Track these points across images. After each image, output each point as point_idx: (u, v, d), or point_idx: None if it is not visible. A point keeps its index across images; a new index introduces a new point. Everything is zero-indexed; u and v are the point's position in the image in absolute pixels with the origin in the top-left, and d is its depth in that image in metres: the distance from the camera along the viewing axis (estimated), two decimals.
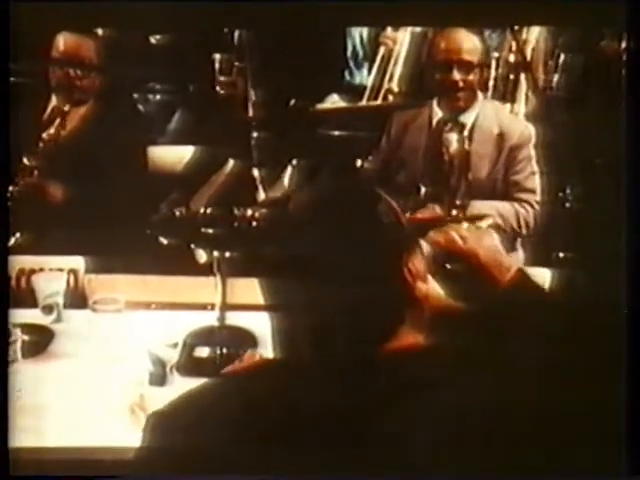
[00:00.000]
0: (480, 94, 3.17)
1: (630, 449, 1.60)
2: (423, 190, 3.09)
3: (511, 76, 3.47)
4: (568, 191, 3.13)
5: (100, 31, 3.34)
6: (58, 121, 3.18)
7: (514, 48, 3.47)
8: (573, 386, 1.60)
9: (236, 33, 3.54)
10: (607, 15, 2.48)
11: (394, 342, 1.48)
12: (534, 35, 3.53)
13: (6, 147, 2.31)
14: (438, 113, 3.18)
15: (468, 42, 3.10)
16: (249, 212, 2.87)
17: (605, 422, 1.47)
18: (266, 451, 1.43)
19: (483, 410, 1.42)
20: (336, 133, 3.55)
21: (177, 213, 2.83)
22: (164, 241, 2.76)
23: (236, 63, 3.43)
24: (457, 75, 3.09)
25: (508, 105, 3.38)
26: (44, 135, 3.15)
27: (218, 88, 3.43)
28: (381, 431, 1.40)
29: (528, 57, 3.49)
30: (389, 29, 3.83)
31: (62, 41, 3.19)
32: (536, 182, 3.09)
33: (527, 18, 2.89)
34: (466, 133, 3.11)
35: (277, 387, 1.49)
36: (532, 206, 3.11)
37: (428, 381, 1.43)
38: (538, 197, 3.09)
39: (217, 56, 3.38)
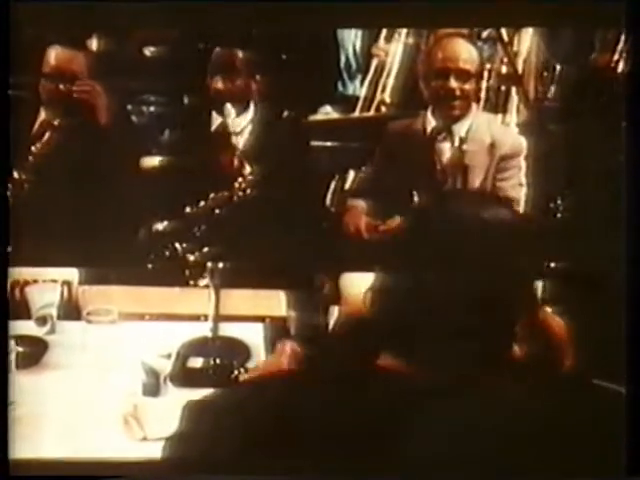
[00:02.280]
0: (474, 104, 3.19)
1: (629, 449, 1.60)
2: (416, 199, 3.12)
3: (502, 87, 3.49)
4: (559, 202, 3.14)
5: (94, 44, 3.36)
6: (48, 133, 3.18)
7: (505, 60, 3.49)
8: (573, 387, 1.62)
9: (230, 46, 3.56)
10: (604, 17, 2.49)
11: None
12: (525, 46, 3.55)
13: (5, 157, 2.32)
14: (432, 122, 3.19)
15: (465, 51, 3.12)
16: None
17: (605, 422, 1.47)
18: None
19: (483, 410, 1.43)
20: (329, 144, 3.56)
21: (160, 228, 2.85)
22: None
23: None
24: (454, 83, 3.11)
25: (500, 116, 3.39)
26: (34, 148, 3.15)
27: (211, 99, 3.44)
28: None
29: (519, 69, 3.51)
30: (382, 41, 3.85)
31: (53, 55, 3.19)
32: (521, 194, 3.11)
33: (522, 20, 2.90)
34: (458, 143, 3.13)
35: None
36: None
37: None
38: (520, 209, 3.09)
39: (211, 67, 3.39)
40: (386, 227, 3.09)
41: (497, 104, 3.46)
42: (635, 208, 2.25)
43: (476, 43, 3.21)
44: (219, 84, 3.25)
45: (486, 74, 3.34)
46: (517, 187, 3.12)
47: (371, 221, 3.16)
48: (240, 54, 3.26)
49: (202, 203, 3.02)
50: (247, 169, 3.20)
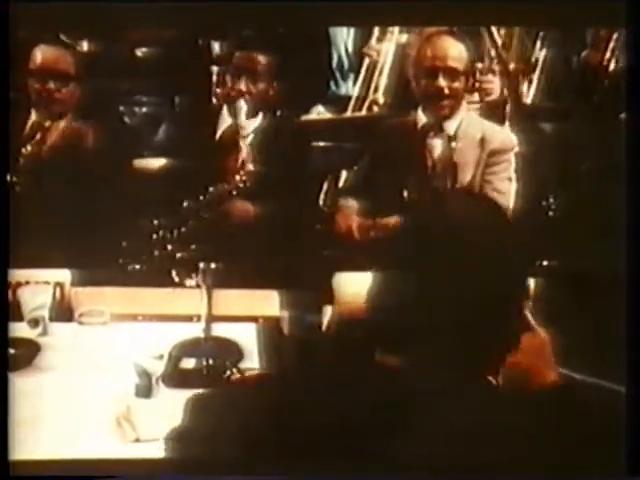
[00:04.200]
0: (464, 102, 3.20)
1: (630, 449, 1.60)
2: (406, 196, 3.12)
3: (493, 86, 3.49)
4: (551, 200, 3.14)
5: (85, 44, 3.36)
6: (39, 135, 3.18)
7: (496, 58, 3.49)
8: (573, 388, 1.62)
9: (220, 45, 3.56)
10: (604, 16, 2.49)
11: None
12: (515, 44, 3.55)
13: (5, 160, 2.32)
14: (422, 120, 3.20)
15: (454, 49, 3.13)
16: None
17: (605, 422, 1.47)
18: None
19: (480, 409, 1.43)
20: (322, 144, 3.57)
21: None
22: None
23: (223, 76, 3.44)
24: (443, 82, 3.12)
25: (490, 114, 3.40)
26: (24, 150, 3.15)
27: (204, 99, 3.45)
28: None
29: (510, 66, 3.51)
30: (374, 41, 3.85)
31: (42, 54, 3.20)
32: (510, 187, 3.11)
33: (520, 19, 2.90)
34: (448, 140, 3.14)
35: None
36: None
37: None
38: (510, 202, 3.10)
39: (203, 68, 3.40)
40: (378, 227, 3.10)
41: (488, 102, 3.46)
42: (633, 204, 2.25)
43: (466, 41, 3.21)
44: (241, 86, 3.28)
45: (476, 72, 3.35)
46: (506, 181, 3.13)
47: (363, 221, 3.16)
48: (262, 59, 3.29)
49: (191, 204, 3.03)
50: (244, 171, 3.21)
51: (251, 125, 3.29)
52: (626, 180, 2.21)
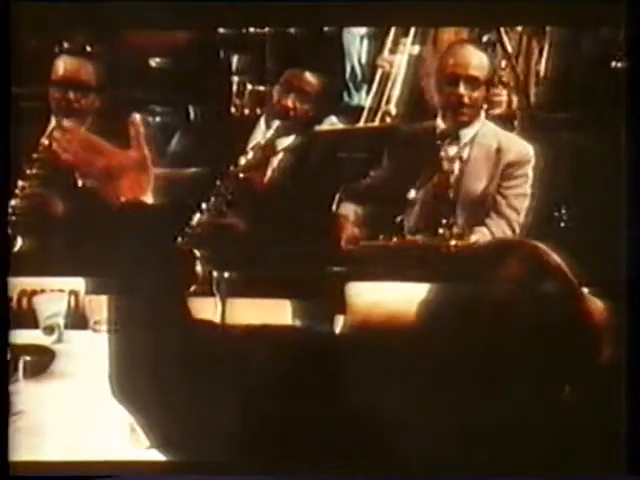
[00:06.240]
0: (482, 111, 3.21)
1: (630, 449, 1.60)
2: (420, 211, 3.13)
3: (508, 95, 3.50)
4: (563, 211, 3.14)
5: (99, 54, 3.38)
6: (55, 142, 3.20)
7: (510, 67, 3.50)
8: (573, 387, 1.62)
9: (235, 57, 3.58)
10: (604, 17, 2.49)
11: None
12: (532, 54, 3.56)
13: (6, 167, 2.33)
14: (440, 127, 3.21)
15: (475, 58, 3.15)
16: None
17: (605, 422, 1.48)
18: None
19: (482, 409, 1.43)
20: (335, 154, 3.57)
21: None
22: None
23: (236, 85, 3.46)
24: (463, 90, 3.13)
25: (505, 123, 3.40)
26: (40, 156, 3.17)
27: (219, 109, 3.46)
28: None
29: (522, 77, 3.52)
30: (386, 52, 3.86)
31: (62, 64, 3.22)
32: (523, 204, 3.12)
33: (522, 20, 2.91)
34: (464, 148, 3.15)
35: None
36: (511, 225, 3.13)
37: None
38: (521, 219, 3.11)
39: (217, 78, 3.41)
40: (367, 243, 3.11)
41: (503, 111, 3.47)
42: (635, 212, 2.25)
43: (486, 50, 3.24)
44: (288, 103, 3.31)
45: (494, 81, 3.36)
46: (521, 197, 3.13)
47: (355, 233, 3.16)
48: (312, 79, 3.33)
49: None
50: (264, 179, 3.23)
51: (283, 142, 3.32)
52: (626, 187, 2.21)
